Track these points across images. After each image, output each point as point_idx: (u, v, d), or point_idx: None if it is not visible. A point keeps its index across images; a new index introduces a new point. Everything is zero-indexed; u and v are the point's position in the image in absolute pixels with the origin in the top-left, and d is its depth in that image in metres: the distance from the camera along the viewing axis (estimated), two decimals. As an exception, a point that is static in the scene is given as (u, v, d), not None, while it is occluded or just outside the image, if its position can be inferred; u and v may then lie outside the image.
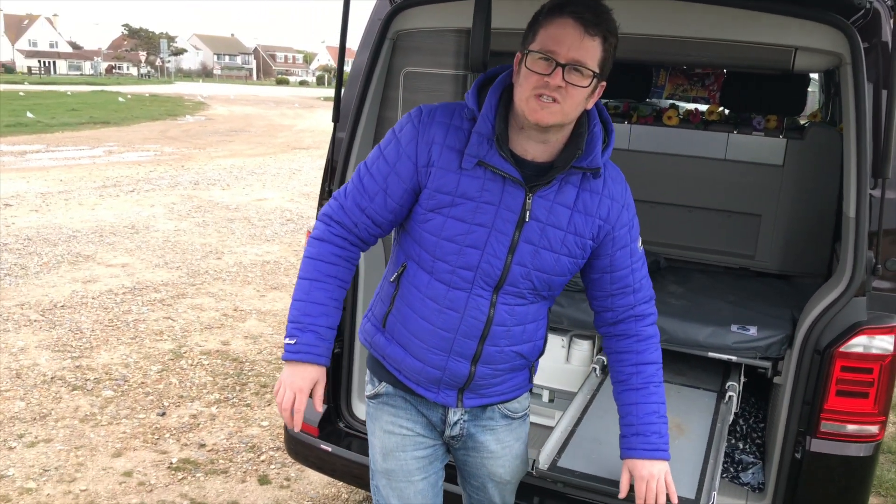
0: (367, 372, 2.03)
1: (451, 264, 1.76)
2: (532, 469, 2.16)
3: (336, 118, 2.88)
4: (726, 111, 3.54)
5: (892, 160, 2.26)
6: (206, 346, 5.26)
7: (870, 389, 2.36)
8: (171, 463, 3.72)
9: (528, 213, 1.72)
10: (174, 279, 6.78)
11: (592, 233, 1.81)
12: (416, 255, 1.81)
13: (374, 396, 2.01)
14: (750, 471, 2.67)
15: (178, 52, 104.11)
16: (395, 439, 1.98)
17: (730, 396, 2.56)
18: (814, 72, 2.78)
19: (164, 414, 4.22)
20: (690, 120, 3.41)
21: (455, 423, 1.96)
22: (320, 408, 1.86)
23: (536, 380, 2.97)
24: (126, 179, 12.03)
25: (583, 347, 2.91)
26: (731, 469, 2.70)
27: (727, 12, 2.45)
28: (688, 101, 3.56)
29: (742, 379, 2.73)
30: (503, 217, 1.72)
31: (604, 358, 2.80)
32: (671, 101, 3.61)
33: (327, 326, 1.83)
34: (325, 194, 2.98)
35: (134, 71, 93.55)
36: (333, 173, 2.92)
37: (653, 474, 1.87)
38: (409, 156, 1.76)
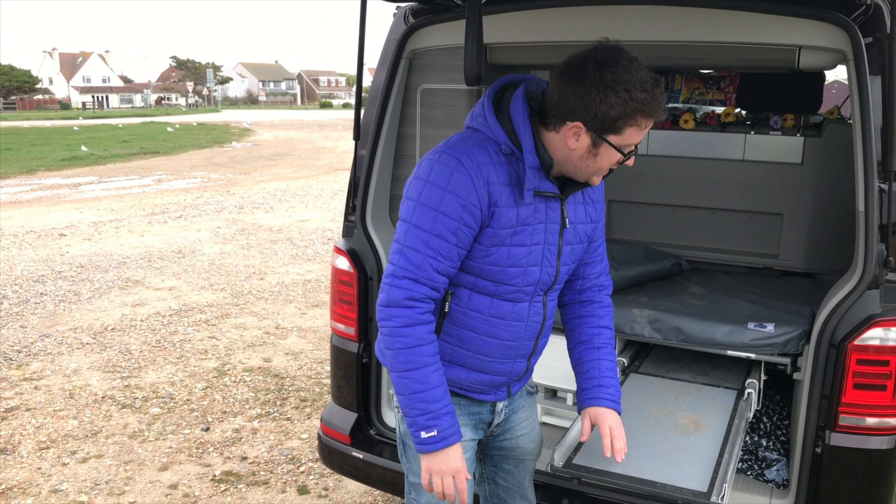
0: None
1: (516, 285, 1.87)
2: (548, 467, 2.23)
3: (357, 136, 3.00)
4: (743, 112, 3.56)
5: (897, 153, 2.28)
6: (249, 364, 5.42)
7: (887, 382, 2.36)
8: (215, 475, 3.86)
9: (566, 219, 1.89)
10: (219, 300, 6.99)
11: (598, 216, 2.03)
12: (471, 283, 1.88)
13: None
14: (774, 468, 2.68)
15: (224, 81, 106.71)
16: None
17: (748, 393, 2.59)
18: (821, 69, 2.79)
19: (207, 429, 4.38)
20: (707, 122, 3.44)
21: (501, 411, 2.12)
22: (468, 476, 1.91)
23: (560, 383, 3.04)
24: (174, 206, 12.41)
25: (604, 350, 2.95)
26: (756, 466, 2.71)
27: (732, 15, 2.50)
28: (704, 103, 3.59)
29: (762, 376, 2.75)
30: (551, 230, 1.87)
31: (624, 360, 2.85)
32: (688, 105, 3.64)
33: (451, 402, 1.87)
34: (351, 210, 3.10)
35: (182, 101, 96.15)
36: (356, 189, 3.04)
37: (615, 420, 2.07)
38: (473, 205, 1.76)
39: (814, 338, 2.44)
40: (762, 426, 2.86)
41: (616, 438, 2.03)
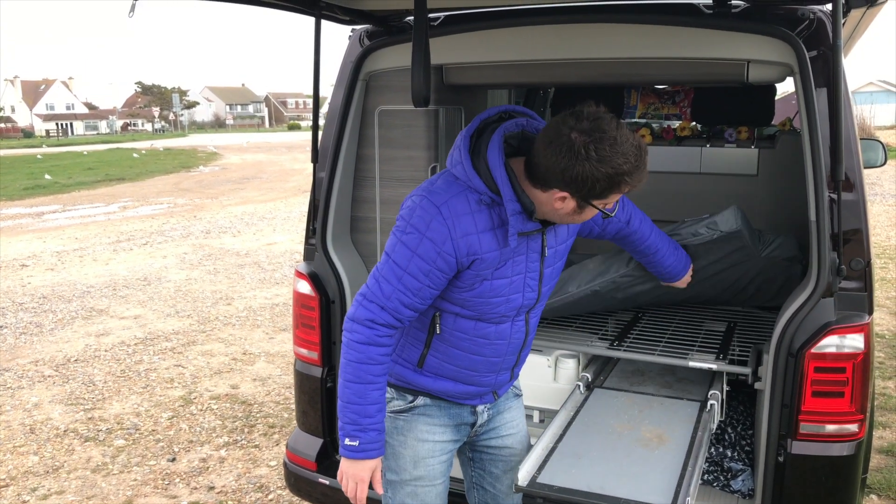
0: (390, 391, 2.18)
1: (499, 312, 2.02)
2: (512, 486, 2.22)
3: (315, 158, 2.99)
4: (698, 126, 3.61)
5: (843, 162, 2.32)
6: (216, 391, 5.35)
7: (845, 388, 2.39)
8: (181, 507, 3.78)
9: (545, 248, 2.02)
10: (185, 327, 6.90)
11: (574, 229, 2.17)
12: (456, 311, 2.02)
13: (407, 410, 2.18)
14: (740, 478, 2.70)
15: (191, 106, 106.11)
16: (427, 446, 2.17)
17: (711, 405, 2.60)
18: (770, 83, 2.85)
19: (174, 459, 4.30)
20: (664, 137, 3.49)
21: (484, 412, 2.25)
22: (380, 489, 2.09)
23: (526, 401, 3.03)
24: (139, 233, 12.27)
25: (568, 366, 2.95)
26: (722, 477, 2.72)
27: (683, 32, 2.54)
28: (660, 118, 3.63)
29: (725, 387, 2.77)
30: (532, 259, 2.00)
31: (588, 375, 2.86)
32: (644, 120, 3.68)
33: (382, 420, 2.01)
34: (311, 233, 3.08)
35: (149, 126, 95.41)
36: (316, 211, 3.03)
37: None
38: (448, 253, 1.87)
39: (772, 347, 2.46)
40: (727, 437, 2.87)
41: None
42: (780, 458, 2.45)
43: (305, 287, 2.99)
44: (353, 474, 2.01)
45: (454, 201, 1.88)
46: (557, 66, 2.79)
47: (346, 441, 1.99)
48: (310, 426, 3.13)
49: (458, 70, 2.96)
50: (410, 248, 1.88)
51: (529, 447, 2.38)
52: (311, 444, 3.10)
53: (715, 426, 2.62)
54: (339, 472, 2.05)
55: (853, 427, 2.41)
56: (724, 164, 3.38)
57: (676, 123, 3.58)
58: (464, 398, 2.18)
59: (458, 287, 1.97)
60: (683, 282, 2.82)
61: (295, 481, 3.12)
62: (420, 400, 2.18)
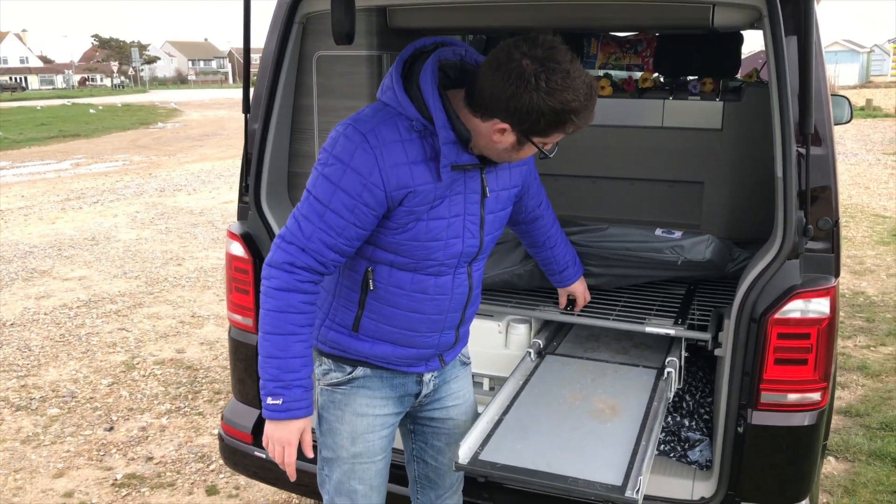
0: (327, 362, 2.01)
1: (437, 259, 1.84)
2: (453, 464, 2.05)
3: (247, 109, 2.74)
4: (661, 77, 3.42)
5: (813, 115, 2.15)
6: (160, 356, 5.12)
7: (808, 356, 2.25)
8: (116, 479, 3.58)
9: (486, 188, 1.85)
10: (132, 289, 6.62)
11: (522, 177, 2.05)
12: (390, 260, 1.85)
13: (346, 382, 2.00)
14: (697, 448, 2.56)
15: (151, 61, 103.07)
16: (367, 420, 2.01)
17: (668, 373, 2.45)
18: (736, 29, 2.66)
19: (111, 429, 4.09)
20: (624, 89, 3.29)
21: (430, 381, 2.08)
22: (311, 453, 1.88)
23: (476, 368, 2.87)
24: (91, 191, 11.83)
25: (520, 332, 2.79)
26: (679, 448, 2.59)
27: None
28: (621, 69, 3.43)
29: (683, 353, 2.62)
30: (471, 200, 1.84)
31: (540, 341, 2.69)
32: (604, 71, 3.48)
33: (309, 376, 1.84)
34: (244, 190, 2.84)
35: (108, 82, 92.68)
36: (249, 167, 2.79)
37: (582, 287, 2.64)
38: (375, 185, 1.70)
39: (733, 312, 2.31)
40: (685, 405, 2.74)
41: (579, 305, 2.65)
42: (740, 429, 2.32)
43: (238, 249, 2.77)
44: (279, 437, 1.83)
45: (382, 128, 1.71)
46: (513, 10, 2.56)
47: (269, 400, 1.80)
48: (246, 396, 2.93)
49: (403, 12, 2.72)
50: (333, 182, 1.71)
51: (476, 419, 2.22)
52: (247, 416, 2.91)
53: (672, 395, 2.48)
54: (263, 436, 1.87)
55: (816, 396, 2.28)
56: (688, 117, 3.19)
57: (638, 74, 3.38)
58: (406, 363, 2.00)
59: (391, 228, 1.79)
60: (577, 288, 2.63)
61: (231, 455, 2.94)
62: (360, 370, 2.00)
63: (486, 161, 1.81)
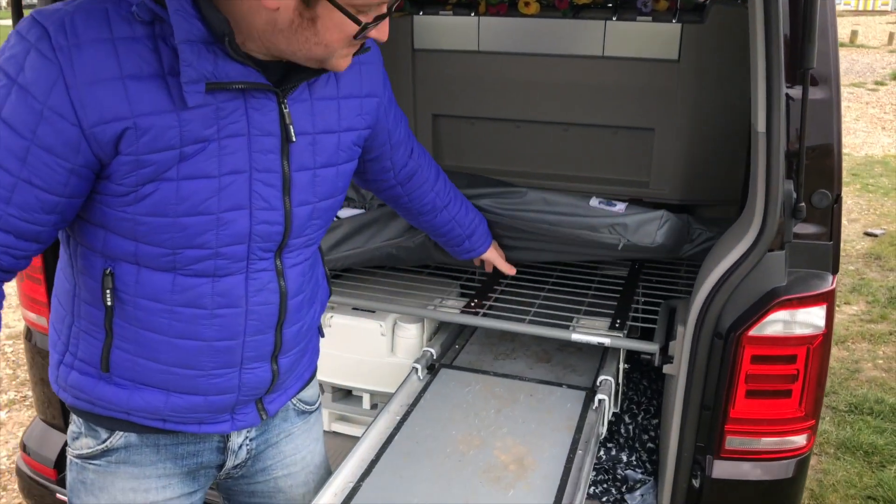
0: (77, 420, 1.35)
1: (209, 247, 1.16)
2: None
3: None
4: (603, -8, 2.66)
5: (816, 42, 1.44)
6: None
7: (793, 385, 1.61)
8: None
9: (290, 128, 1.17)
10: None
11: (370, 113, 1.36)
12: (132, 252, 1.16)
13: (101, 454, 1.33)
14: (638, 492, 1.93)
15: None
16: None
17: (600, 401, 1.78)
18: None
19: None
20: (556, 6, 2.53)
21: (241, 447, 1.41)
22: None
23: (353, 382, 2.17)
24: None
25: (410, 334, 2.09)
26: (614, 490, 1.95)
27: None
28: (553, -20, 2.65)
29: (622, 367, 1.96)
30: (260, 147, 1.15)
31: (433, 350, 2.00)
32: (532, -17, 2.69)
33: None
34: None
35: None
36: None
37: (494, 256, 2.03)
38: (60, 113, 1.02)
39: (690, 322, 1.64)
40: (623, 430, 2.09)
41: (508, 267, 2.06)
42: (695, 482, 1.68)
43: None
44: None
45: (79, 18, 1.03)
46: None
47: None
48: (52, 417, 2.21)
49: None
50: None
51: (321, 485, 1.54)
52: (52, 443, 2.19)
53: (604, 430, 1.82)
54: None
55: (800, 439, 1.65)
56: (636, 44, 2.46)
57: (575, -12, 2.60)
58: (192, 420, 1.31)
59: (117, 195, 1.11)
60: (492, 258, 2.04)
61: (30, 492, 2.23)
62: (119, 438, 1.32)
63: (290, 81, 1.16)
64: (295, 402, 1.49)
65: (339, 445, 2.16)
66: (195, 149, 1.09)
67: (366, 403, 2.18)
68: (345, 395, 2.21)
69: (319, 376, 2.17)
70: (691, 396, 1.67)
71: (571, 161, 2.70)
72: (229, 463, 1.40)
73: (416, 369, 1.92)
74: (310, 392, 1.53)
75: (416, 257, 2.14)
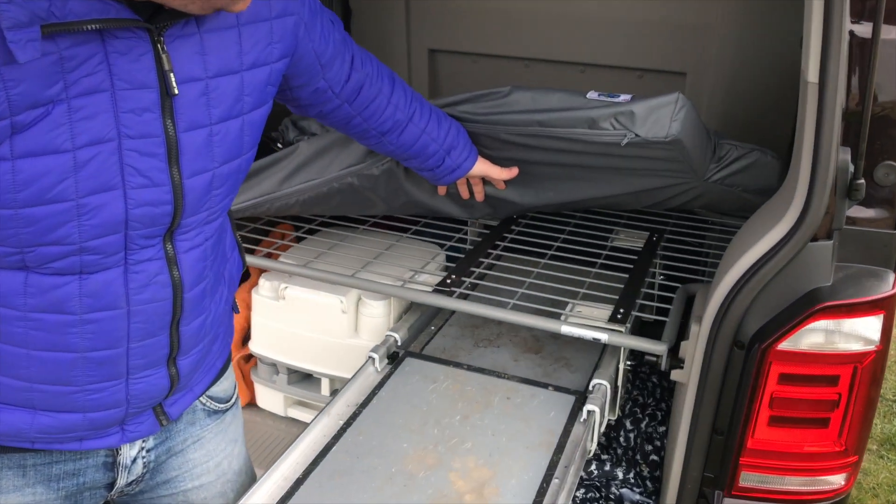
0: None
1: (67, 243, 0.90)
2: None
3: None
4: None
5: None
6: None
7: (832, 413, 1.26)
8: None
9: (171, 76, 0.89)
10: None
11: (283, 42, 1.07)
12: None
13: None
14: (634, 514, 1.61)
15: None
16: None
17: (590, 413, 1.45)
18: None
19: None
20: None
21: (135, 460, 1.15)
22: None
23: (310, 364, 1.87)
24: None
25: (375, 312, 1.77)
26: (606, 509, 1.63)
27: None
28: None
29: (623, 367, 1.61)
30: (131, 105, 0.88)
31: (396, 335, 1.68)
32: None
33: None
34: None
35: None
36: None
37: (485, 169, 1.67)
38: None
39: (705, 323, 1.29)
40: (622, 438, 1.75)
41: (499, 182, 1.71)
42: (700, 521, 1.36)
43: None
44: None
45: None
46: None
47: None
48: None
49: None
50: None
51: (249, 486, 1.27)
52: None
53: (594, 446, 1.48)
54: None
55: (837, 479, 1.31)
56: None
57: None
58: (69, 438, 1.05)
59: None
60: (483, 171, 1.67)
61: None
62: None
63: (164, 26, 0.88)
64: (204, 400, 1.23)
65: (296, 434, 1.88)
66: (33, 116, 0.81)
67: (325, 389, 1.88)
68: (302, 377, 1.92)
69: (272, 354, 1.89)
70: (701, 415, 1.33)
71: (588, 109, 2.31)
72: (121, 480, 1.15)
73: (374, 359, 1.60)
74: (223, 386, 1.27)
75: (384, 192, 1.77)
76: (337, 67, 1.29)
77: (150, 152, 0.90)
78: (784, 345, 1.20)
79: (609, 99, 1.56)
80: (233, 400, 1.30)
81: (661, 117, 1.50)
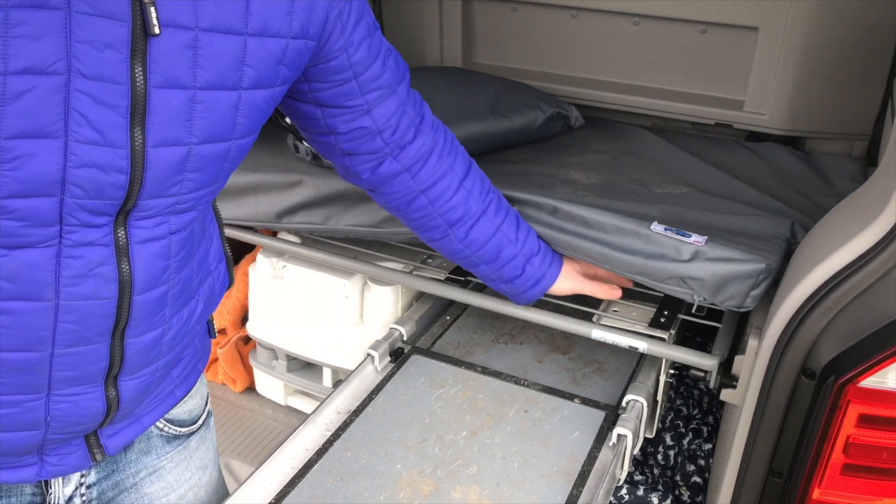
0: None
1: None
2: None
3: None
4: None
5: None
6: None
7: (923, 465, 1.01)
8: None
9: (151, 11, 0.71)
10: None
11: (301, 20, 0.84)
12: None
13: None
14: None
15: None
16: None
17: (620, 437, 1.22)
18: None
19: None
20: None
21: (70, 499, 0.96)
22: None
23: (311, 353, 1.69)
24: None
25: (383, 300, 1.56)
26: (637, 537, 1.42)
27: None
28: None
29: (663, 380, 1.38)
30: (91, 35, 0.69)
31: (403, 328, 1.47)
32: None
33: None
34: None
35: None
36: None
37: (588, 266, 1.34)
38: None
39: (767, 342, 1.05)
40: (660, 456, 1.52)
41: (606, 290, 1.32)
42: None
43: None
44: None
45: None
46: None
47: None
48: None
49: None
50: None
51: None
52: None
53: (624, 474, 1.26)
54: None
55: (922, 542, 1.06)
56: None
57: None
58: None
59: None
60: (573, 286, 1.33)
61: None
62: None
63: None
64: (161, 425, 1.03)
65: (293, 428, 1.71)
66: None
67: (327, 380, 1.69)
68: (304, 364, 1.73)
69: (271, 341, 1.70)
70: (755, 451, 1.10)
71: (641, 67, 2.03)
72: None
73: (373, 357, 1.40)
74: (187, 406, 1.06)
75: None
76: (390, 106, 1.06)
77: (108, 102, 0.71)
78: (867, 381, 0.96)
79: (677, 238, 1.25)
80: (201, 420, 1.09)
81: (735, 289, 1.20)
